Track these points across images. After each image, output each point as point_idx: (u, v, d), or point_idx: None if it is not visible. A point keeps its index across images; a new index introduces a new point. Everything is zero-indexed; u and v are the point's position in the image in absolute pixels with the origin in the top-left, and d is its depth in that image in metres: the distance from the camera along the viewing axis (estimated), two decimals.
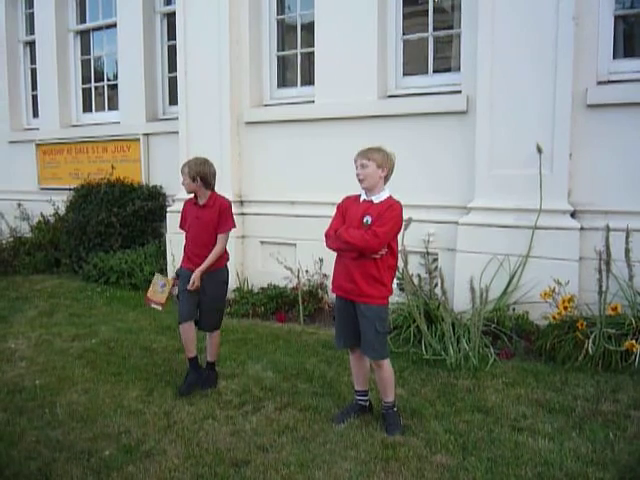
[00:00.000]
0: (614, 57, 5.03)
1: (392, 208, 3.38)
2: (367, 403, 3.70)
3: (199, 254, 4.06)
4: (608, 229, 4.41)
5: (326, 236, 3.51)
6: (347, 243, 3.36)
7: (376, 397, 3.73)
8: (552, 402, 3.75)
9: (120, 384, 4.25)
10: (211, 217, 4.06)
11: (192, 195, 4.14)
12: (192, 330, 4.13)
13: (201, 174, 4.01)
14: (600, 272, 4.27)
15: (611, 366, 4.17)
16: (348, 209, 3.51)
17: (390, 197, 3.45)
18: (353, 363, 3.69)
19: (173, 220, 6.92)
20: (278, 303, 6.00)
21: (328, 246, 3.52)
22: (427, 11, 5.87)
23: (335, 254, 3.55)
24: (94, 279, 7.40)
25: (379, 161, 3.39)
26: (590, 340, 4.24)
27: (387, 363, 3.52)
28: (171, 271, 6.80)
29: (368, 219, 3.37)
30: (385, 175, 3.43)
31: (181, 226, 4.26)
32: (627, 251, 4.41)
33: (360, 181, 3.46)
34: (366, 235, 3.30)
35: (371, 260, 3.36)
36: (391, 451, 3.20)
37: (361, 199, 3.50)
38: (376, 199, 3.43)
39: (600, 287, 4.27)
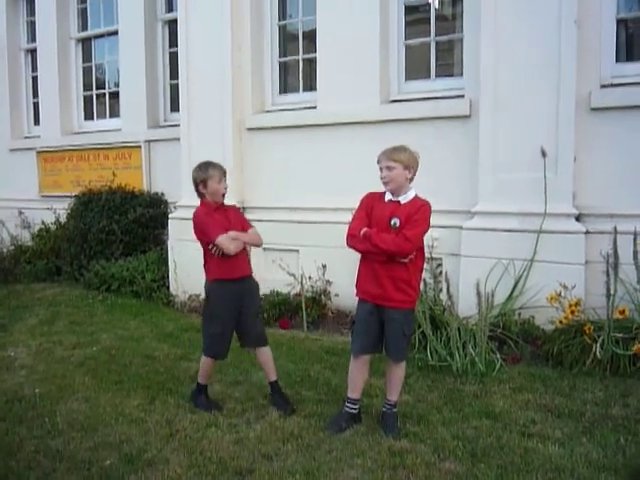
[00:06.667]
0: (617, 61, 5.00)
1: (422, 210, 3.30)
2: (357, 411, 3.60)
3: (245, 258, 3.95)
4: (616, 232, 4.35)
5: (350, 236, 3.38)
6: (377, 247, 3.25)
7: (368, 404, 3.68)
8: (561, 407, 3.69)
9: (121, 392, 4.19)
10: (237, 216, 4.03)
11: (212, 200, 3.85)
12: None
13: None
14: (608, 275, 4.21)
15: (619, 370, 4.12)
16: (373, 208, 3.39)
17: (417, 197, 3.37)
18: (357, 370, 3.55)
19: (175, 227, 6.89)
20: (281, 310, 5.93)
21: (351, 245, 3.39)
22: (429, 19, 5.86)
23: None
24: (95, 287, 7.33)
25: (406, 162, 3.29)
26: (598, 344, 4.19)
27: (403, 364, 3.53)
28: (173, 279, 6.76)
29: (396, 222, 3.28)
30: (411, 176, 3.33)
31: (215, 235, 3.76)
32: (635, 253, 4.35)
33: (384, 184, 3.34)
34: (397, 239, 3.22)
35: (401, 263, 3.28)
36: (398, 458, 3.14)
37: (386, 199, 3.39)
38: (403, 199, 3.34)
39: (608, 290, 4.22)
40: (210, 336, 3.91)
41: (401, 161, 3.29)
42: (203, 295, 6.11)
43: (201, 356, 4.00)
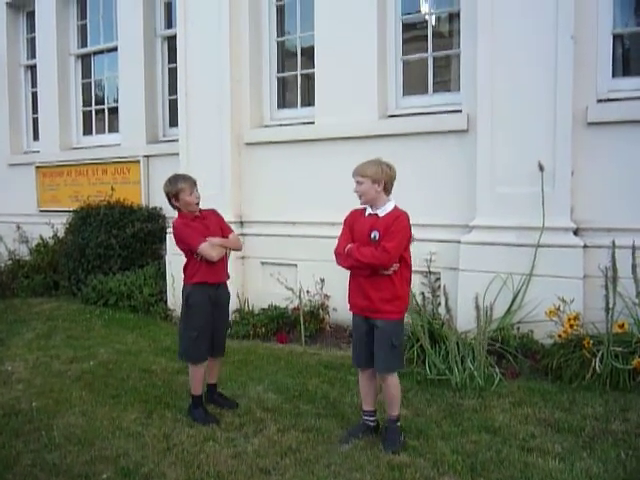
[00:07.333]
0: (613, 76, 5.04)
1: (399, 220, 3.34)
2: (374, 423, 3.61)
3: (224, 265, 4.04)
4: (614, 245, 4.35)
5: (336, 254, 3.47)
6: (358, 261, 3.32)
7: (382, 418, 3.65)
8: (561, 422, 3.67)
9: (118, 406, 4.17)
10: (217, 222, 4.07)
11: (187, 210, 3.96)
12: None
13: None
14: (607, 289, 4.21)
15: (619, 385, 4.09)
16: (355, 223, 3.48)
17: (396, 208, 3.42)
18: (363, 383, 3.61)
19: (173, 242, 6.87)
20: (279, 324, 5.92)
21: (339, 264, 3.47)
22: (426, 35, 5.92)
23: (340, 273, 3.51)
24: (93, 301, 7.32)
25: (373, 176, 3.36)
26: (597, 358, 4.17)
27: (393, 377, 3.47)
28: (170, 293, 6.74)
29: (375, 235, 3.33)
30: (383, 188, 3.38)
31: (197, 243, 3.86)
32: (634, 267, 4.34)
33: (359, 198, 3.45)
34: (376, 252, 3.27)
35: (385, 275, 3.32)
36: (397, 473, 3.12)
37: (366, 213, 3.46)
38: (381, 212, 3.40)
39: (607, 304, 4.21)
40: (187, 340, 3.95)
41: (368, 176, 3.36)
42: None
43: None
